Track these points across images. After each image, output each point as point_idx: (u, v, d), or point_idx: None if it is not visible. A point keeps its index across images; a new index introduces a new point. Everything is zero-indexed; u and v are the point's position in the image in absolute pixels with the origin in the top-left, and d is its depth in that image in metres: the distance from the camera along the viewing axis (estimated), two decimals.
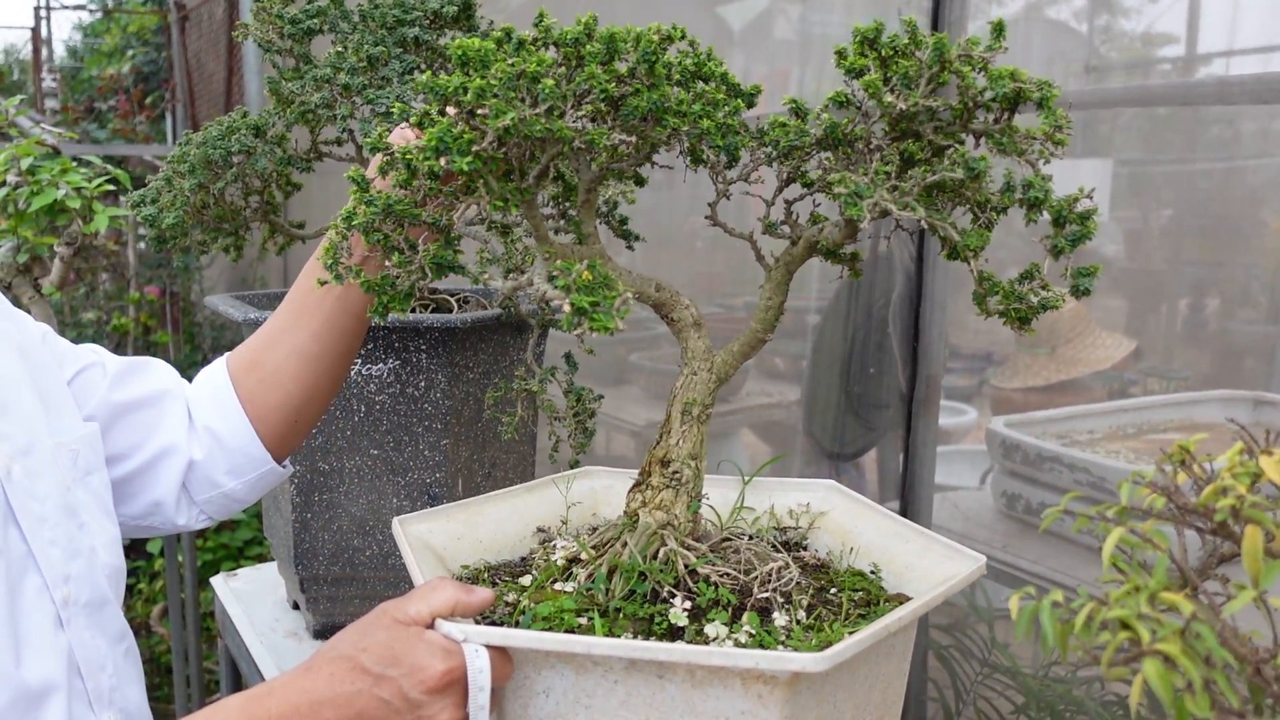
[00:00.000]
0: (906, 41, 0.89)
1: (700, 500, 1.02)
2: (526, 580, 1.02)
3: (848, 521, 1.12)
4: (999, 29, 0.87)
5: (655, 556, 0.97)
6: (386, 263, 0.89)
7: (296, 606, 1.73)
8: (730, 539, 1.05)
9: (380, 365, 1.46)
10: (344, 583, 1.57)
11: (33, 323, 1.09)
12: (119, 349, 4.65)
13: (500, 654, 0.85)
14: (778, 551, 1.04)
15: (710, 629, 0.90)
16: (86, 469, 1.05)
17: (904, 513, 2.01)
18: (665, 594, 0.94)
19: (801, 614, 0.94)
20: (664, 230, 2.67)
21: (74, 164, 2.25)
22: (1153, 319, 2.17)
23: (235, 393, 1.17)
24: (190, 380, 1.21)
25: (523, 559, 1.12)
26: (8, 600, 0.90)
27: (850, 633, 0.85)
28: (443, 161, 0.83)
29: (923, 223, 0.87)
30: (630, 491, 1.03)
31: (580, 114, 0.87)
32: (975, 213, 0.91)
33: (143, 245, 5.10)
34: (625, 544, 0.98)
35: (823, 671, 0.79)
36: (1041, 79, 0.87)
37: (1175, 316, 2.07)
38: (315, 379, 1.17)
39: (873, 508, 1.12)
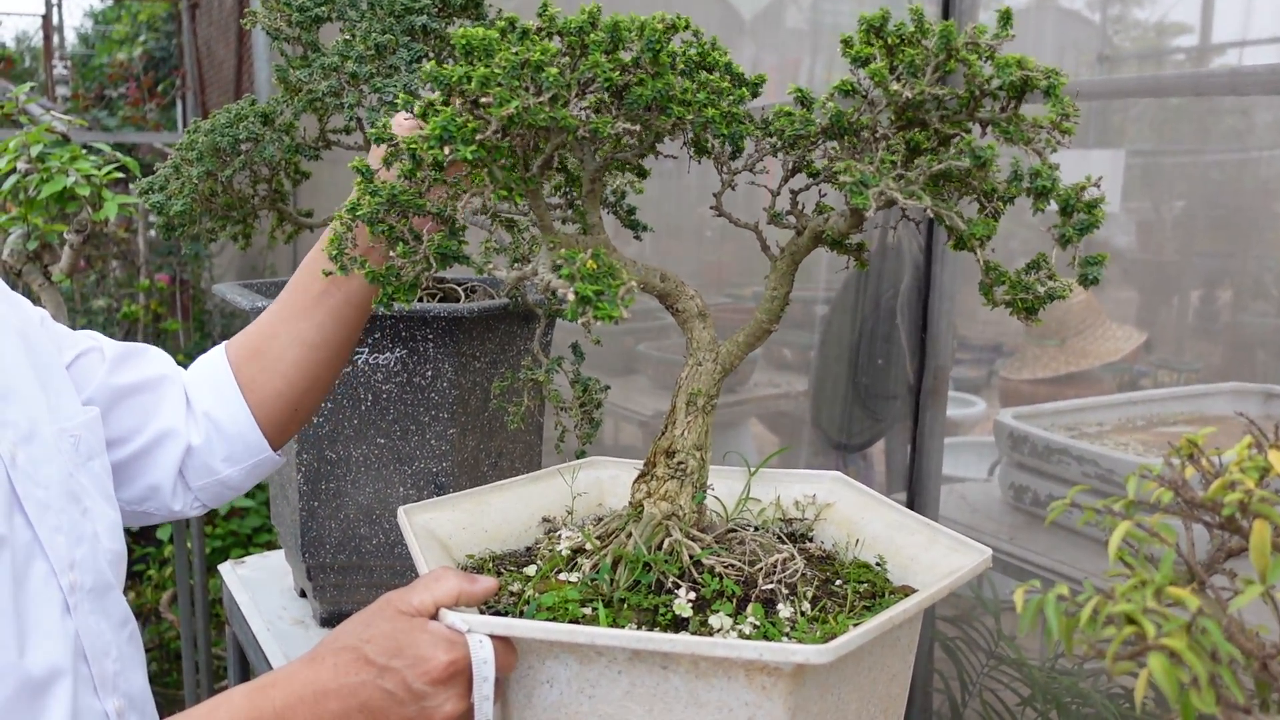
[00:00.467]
0: (913, 30, 0.88)
1: (705, 491, 1.02)
2: (531, 570, 1.02)
3: (854, 513, 1.12)
4: (1006, 17, 0.86)
5: (660, 547, 0.97)
6: (391, 253, 0.89)
7: (303, 594, 1.74)
8: (735, 530, 1.04)
9: (387, 354, 1.46)
10: (350, 571, 1.57)
11: (31, 306, 1.09)
12: (129, 336, 4.66)
13: (504, 644, 0.85)
14: (783, 543, 1.04)
15: (715, 620, 0.90)
16: (88, 454, 1.05)
17: (911, 504, 2.00)
18: (670, 585, 0.94)
19: (806, 606, 0.94)
20: (672, 220, 2.66)
21: (84, 151, 2.26)
22: (1164, 311, 2.15)
23: (235, 380, 1.17)
24: (186, 368, 1.21)
25: (528, 549, 1.12)
26: (13, 589, 0.90)
27: (855, 625, 0.85)
28: (447, 151, 0.83)
29: (929, 212, 0.87)
30: (635, 482, 1.02)
31: (584, 103, 0.86)
32: (982, 202, 0.90)
33: (153, 232, 5.11)
34: (630, 535, 0.98)
35: (827, 663, 0.79)
36: (1049, 67, 0.86)
37: (1187, 308, 2.05)
38: (317, 368, 1.18)
39: (879, 499, 1.11)
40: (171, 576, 3.86)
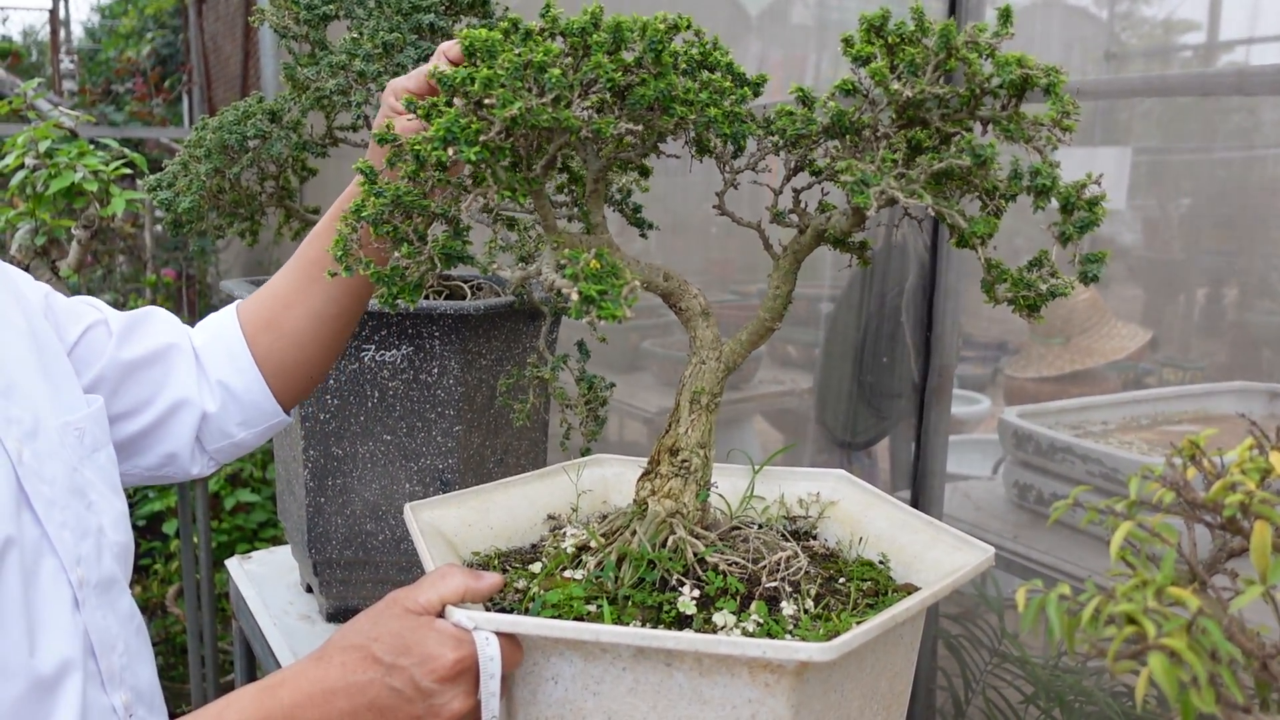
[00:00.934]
0: (913, 29, 0.88)
1: (709, 489, 1.02)
2: (537, 567, 1.03)
3: (857, 511, 1.12)
4: (1006, 15, 0.86)
5: (664, 545, 0.97)
6: (395, 254, 0.89)
7: (310, 590, 1.74)
8: (739, 528, 1.05)
9: (394, 351, 1.47)
10: (357, 567, 1.58)
11: (32, 284, 1.09)
12: None
13: (510, 641, 0.86)
14: (787, 541, 1.04)
15: (718, 618, 0.91)
16: (93, 446, 1.06)
17: (915, 502, 2.00)
18: (674, 582, 0.95)
19: (809, 603, 0.95)
20: (678, 217, 2.67)
21: (91, 147, 2.26)
22: (1170, 309, 2.15)
23: (249, 350, 1.19)
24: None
25: (533, 546, 1.12)
26: (23, 588, 0.90)
27: (858, 623, 0.85)
28: (451, 152, 0.83)
29: (931, 210, 0.87)
30: (639, 480, 1.03)
31: (587, 104, 0.86)
32: (984, 200, 0.90)
33: (159, 228, 5.12)
34: (634, 532, 0.99)
35: (830, 661, 0.79)
36: (1049, 65, 0.86)
37: (1193, 307, 2.05)
38: (330, 339, 1.21)
39: (882, 498, 1.11)
40: (178, 571, 3.88)
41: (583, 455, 1.24)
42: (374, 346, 1.46)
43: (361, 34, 1.46)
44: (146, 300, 4.65)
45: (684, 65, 0.90)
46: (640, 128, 0.88)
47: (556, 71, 0.84)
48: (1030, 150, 0.88)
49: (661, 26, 0.87)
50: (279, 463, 1.72)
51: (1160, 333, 2.14)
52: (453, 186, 0.89)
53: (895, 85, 0.88)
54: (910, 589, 0.98)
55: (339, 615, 1.63)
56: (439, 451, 1.50)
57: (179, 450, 1.18)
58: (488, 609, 0.92)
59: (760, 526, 1.09)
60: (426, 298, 1.52)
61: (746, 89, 0.94)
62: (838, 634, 0.82)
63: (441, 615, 0.87)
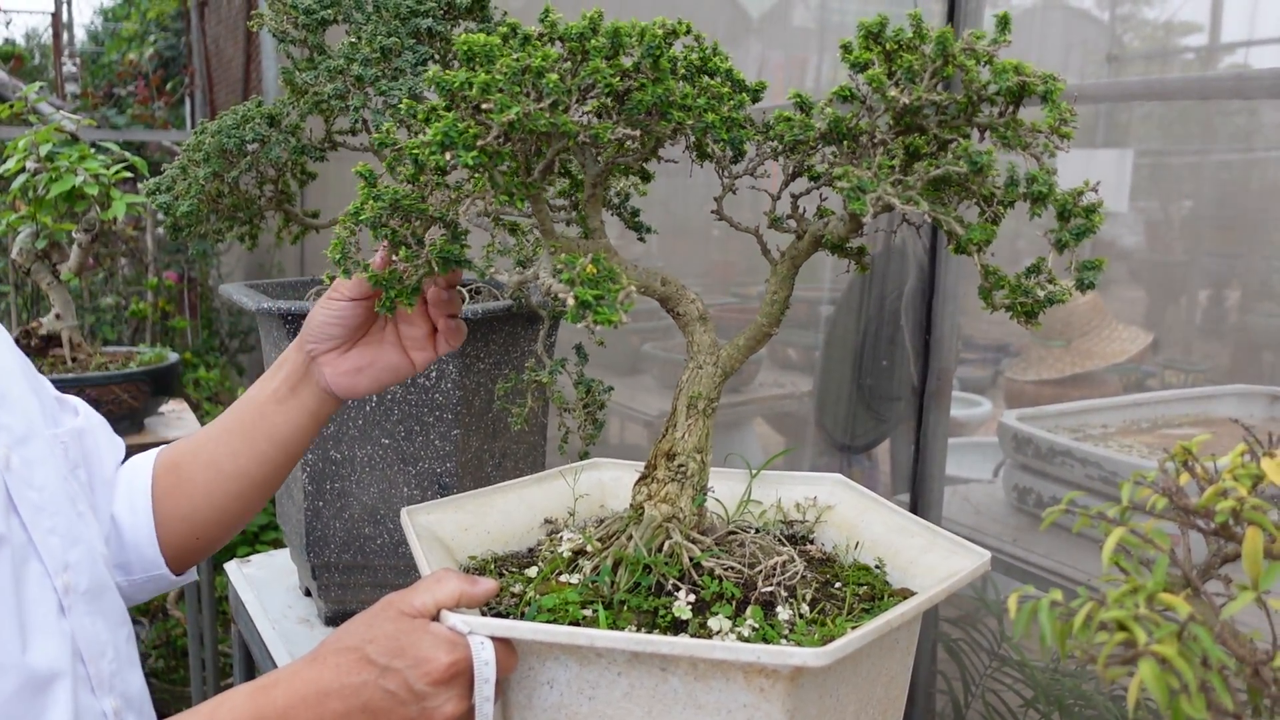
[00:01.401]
0: (911, 35, 0.89)
1: (705, 494, 1.02)
2: (533, 572, 1.03)
3: (854, 516, 1.12)
4: (1004, 22, 0.87)
5: (660, 549, 0.97)
6: (394, 257, 0.90)
7: (308, 593, 1.75)
8: (736, 532, 1.05)
9: None
10: (355, 570, 1.58)
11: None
12: (137, 333, 4.67)
13: (505, 645, 0.86)
14: (783, 545, 1.04)
15: (714, 622, 0.91)
16: (73, 463, 1.06)
17: (914, 506, 2.00)
18: (670, 587, 0.95)
19: (805, 608, 0.95)
20: (678, 220, 2.67)
21: (92, 150, 2.27)
22: (1171, 311, 2.15)
23: (150, 489, 1.13)
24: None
25: (530, 550, 1.12)
26: (13, 587, 0.91)
27: (853, 627, 0.85)
28: (448, 156, 0.84)
29: (928, 217, 0.87)
30: (636, 484, 1.03)
31: (585, 109, 0.87)
32: (982, 206, 0.90)
33: (161, 231, 5.13)
34: (630, 537, 0.99)
35: (824, 666, 0.79)
36: (1046, 72, 0.86)
37: (1194, 309, 2.05)
38: (224, 499, 1.13)
39: (879, 502, 1.12)
40: None
41: (581, 459, 1.25)
42: None
43: (360, 38, 1.46)
44: (148, 303, 4.65)
45: (683, 70, 0.90)
46: (638, 133, 0.88)
47: (554, 76, 0.84)
48: (1027, 157, 0.88)
49: (659, 32, 0.88)
50: None
51: (1161, 335, 2.14)
52: (451, 190, 0.89)
53: (893, 92, 0.88)
54: (906, 593, 0.98)
55: (337, 619, 1.64)
56: (437, 455, 1.50)
57: None
58: (483, 614, 0.92)
59: (757, 531, 1.09)
60: None
61: (745, 95, 0.94)
62: (833, 639, 0.82)
63: (436, 619, 0.87)
